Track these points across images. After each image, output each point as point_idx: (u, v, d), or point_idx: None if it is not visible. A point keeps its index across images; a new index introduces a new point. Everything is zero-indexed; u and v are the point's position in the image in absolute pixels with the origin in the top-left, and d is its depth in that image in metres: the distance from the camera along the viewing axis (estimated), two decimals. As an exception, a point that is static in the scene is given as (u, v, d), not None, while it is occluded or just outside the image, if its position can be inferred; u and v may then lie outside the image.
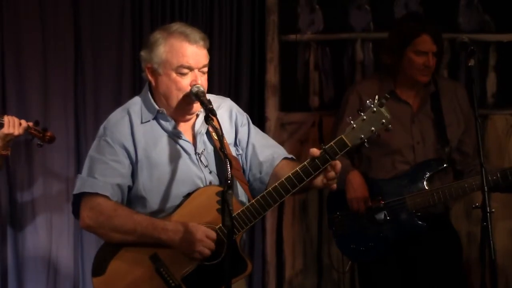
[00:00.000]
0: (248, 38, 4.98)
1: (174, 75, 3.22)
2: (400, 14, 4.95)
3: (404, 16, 4.68)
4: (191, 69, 3.21)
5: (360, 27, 5.01)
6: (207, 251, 3.13)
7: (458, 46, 3.82)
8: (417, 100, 4.35)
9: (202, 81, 3.23)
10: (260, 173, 3.35)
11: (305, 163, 3.11)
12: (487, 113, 4.95)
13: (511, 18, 4.95)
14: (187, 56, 3.21)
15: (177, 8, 4.88)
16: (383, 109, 3.10)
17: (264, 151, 3.39)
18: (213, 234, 3.12)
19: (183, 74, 3.21)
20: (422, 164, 4.27)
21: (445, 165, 4.28)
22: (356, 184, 4.28)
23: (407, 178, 4.26)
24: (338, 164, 3.14)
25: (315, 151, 3.11)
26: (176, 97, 3.23)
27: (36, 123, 4.34)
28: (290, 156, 3.38)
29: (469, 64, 3.75)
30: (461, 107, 4.37)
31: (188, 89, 3.21)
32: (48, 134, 4.37)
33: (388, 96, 3.10)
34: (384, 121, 3.10)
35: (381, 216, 4.24)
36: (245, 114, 3.45)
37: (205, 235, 3.13)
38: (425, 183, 4.23)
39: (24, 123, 4.22)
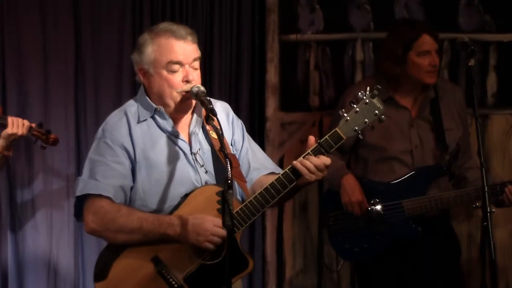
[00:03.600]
0: (248, 38, 4.98)
1: (165, 73, 3.21)
2: (400, 14, 4.96)
3: (398, 22, 4.57)
4: (181, 64, 3.21)
5: (360, 27, 5.01)
6: (217, 239, 3.12)
7: (458, 46, 3.82)
8: (416, 105, 4.30)
9: (194, 76, 3.23)
10: (246, 177, 3.35)
11: (301, 157, 3.13)
12: (487, 113, 4.95)
13: (511, 18, 4.95)
14: (175, 52, 3.20)
15: (177, 8, 4.88)
16: (375, 100, 3.13)
17: (255, 159, 3.41)
18: (219, 222, 3.08)
19: (173, 71, 3.21)
20: (423, 170, 4.25)
21: (446, 172, 4.29)
22: (350, 188, 4.27)
23: (407, 183, 4.23)
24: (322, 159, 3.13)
25: (312, 140, 3.13)
26: (170, 94, 3.23)
27: (40, 125, 4.37)
28: (278, 171, 3.34)
29: (469, 64, 3.76)
30: (459, 110, 4.35)
31: (180, 85, 3.21)
32: (52, 136, 4.40)
33: (380, 87, 3.12)
34: (377, 112, 3.13)
35: (377, 219, 4.24)
36: (240, 120, 3.46)
37: (212, 224, 3.13)
38: (424, 190, 4.22)
39: (27, 123, 4.25)
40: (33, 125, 4.31)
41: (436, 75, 4.22)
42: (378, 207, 4.24)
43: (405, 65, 4.18)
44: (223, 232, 3.09)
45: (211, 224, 3.12)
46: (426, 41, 4.17)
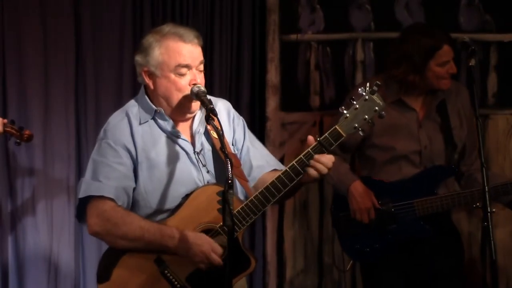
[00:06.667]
0: (249, 38, 4.98)
1: (172, 76, 3.22)
2: (401, 14, 4.95)
3: (416, 30, 4.35)
4: (189, 67, 3.21)
5: (360, 27, 5.01)
6: (209, 265, 3.14)
7: (459, 46, 3.81)
8: (424, 107, 4.29)
9: (201, 79, 3.24)
10: (248, 176, 3.35)
11: (301, 156, 3.13)
12: (487, 113, 4.95)
13: (511, 18, 4.95)
14: (183, 55, 3.21)
15: (178, 8, 4.88)
16: (375, 96, 3.12)
17: (257, 157, 3.40)
18: (219, 249, 3.13)
19: (181, 74, 3.21)
20: (434, 169, 4.24)
21: (456, 172, 4.29)
22: (360, 195, 4.24)
23: (417, 182, 4.22)
24: (325, 157, 3.14)
25: (311, 140, 3.12)
26: (177, 97, 3.23)
27: (12, 122, 4.30)
28: (281, 168, 3.34)
29: (470, 64, 3.76)
30: (464, 109, 4.35)
31: (187, 89, 3.21)
32: (26, 132, 4.32)
33: (379, 83, 3.12)
34: (377, 108, 3.12)
35: (388, 218, 4.22)
36: (241, 117, 3.45)
37: (211, 248, 3.13)
38: (434, 189, 4.21)
39: (1, 120, 4.20)
40: (6, 121, 4.26)
41: (450, 81, 4.22)
42: (389, 206, 4.22)
43: (423, 73, 4.16)
44: (218, 260, 3.12)
45: (210, 249, 3.13)
46: (447, 52, 4.14)
